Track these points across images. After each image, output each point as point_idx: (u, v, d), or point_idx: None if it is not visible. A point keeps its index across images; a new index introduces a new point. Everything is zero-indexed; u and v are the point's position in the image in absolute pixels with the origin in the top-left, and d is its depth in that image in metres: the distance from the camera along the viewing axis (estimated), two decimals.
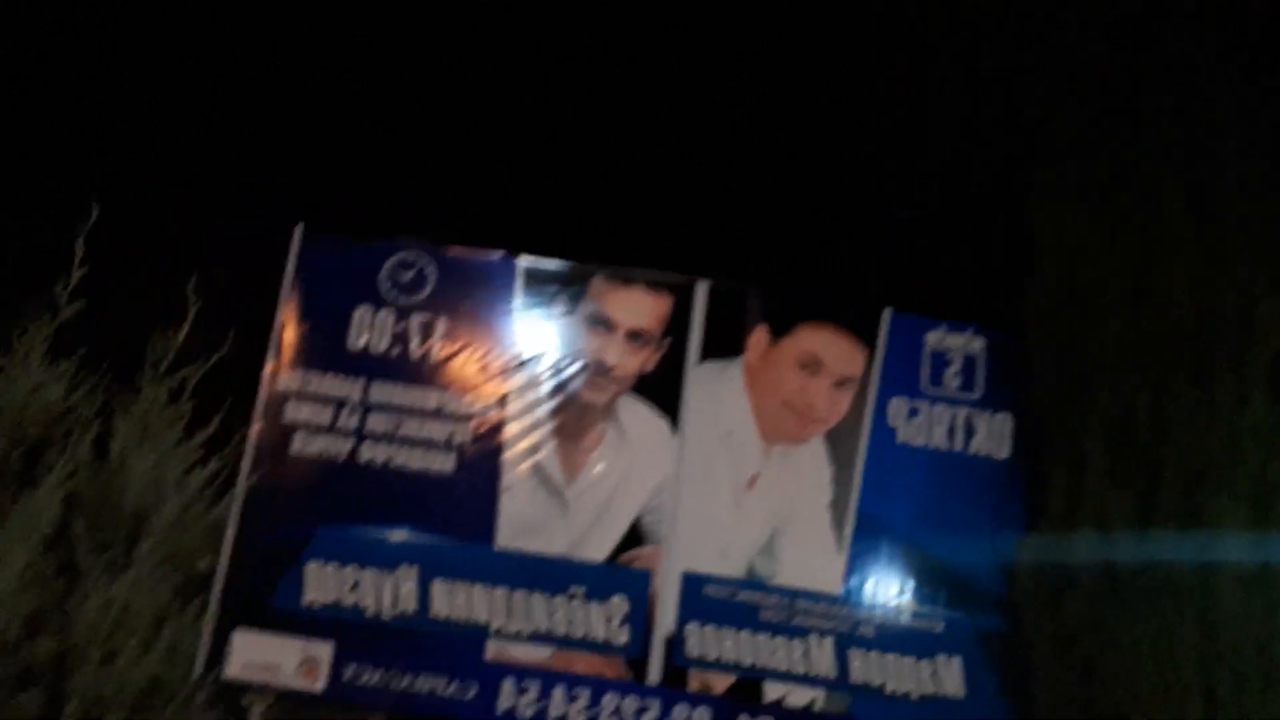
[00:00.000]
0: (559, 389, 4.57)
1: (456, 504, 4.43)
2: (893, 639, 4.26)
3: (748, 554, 4.39)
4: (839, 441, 4.49)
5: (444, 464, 4.47)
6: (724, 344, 4.58)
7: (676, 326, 4.59)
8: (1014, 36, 4.69)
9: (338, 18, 5.66)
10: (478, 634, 4.28)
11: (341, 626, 4.26)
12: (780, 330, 4.59)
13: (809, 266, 5.19)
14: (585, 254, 4.71)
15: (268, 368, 4.55)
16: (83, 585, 3.77)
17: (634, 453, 4.49)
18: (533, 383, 4.57)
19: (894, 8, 5.31)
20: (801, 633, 4.27)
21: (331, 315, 4.62)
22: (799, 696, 4.23)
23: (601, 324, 4.62)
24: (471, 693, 4.22)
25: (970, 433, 4.49)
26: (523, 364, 4.59)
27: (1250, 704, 3.22)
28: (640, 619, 4.29)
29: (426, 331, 4.63)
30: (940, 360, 4.57)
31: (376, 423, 4.51)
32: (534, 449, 4.50)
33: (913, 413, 4.52)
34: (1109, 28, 4.31)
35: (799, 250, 5.28)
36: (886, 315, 4.60)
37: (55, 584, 3.73)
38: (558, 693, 4.22)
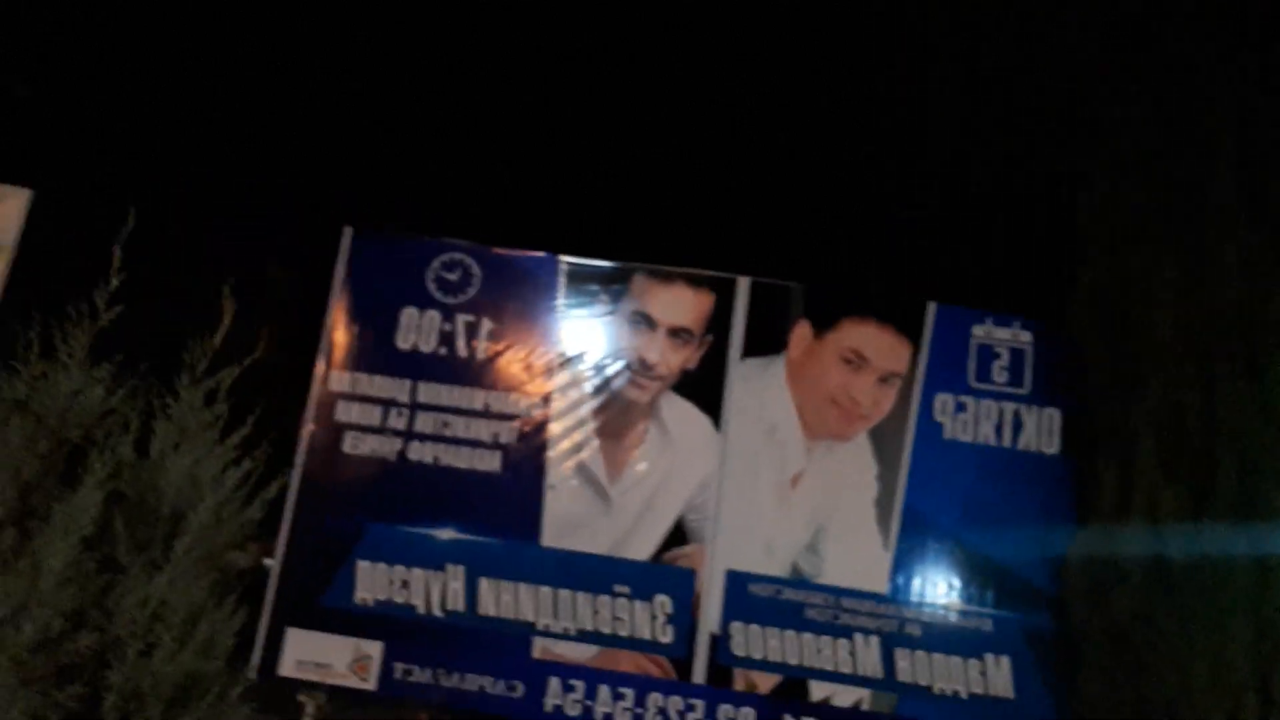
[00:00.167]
0: (602, 388, 4.59)
1: (502, 503, 4.48)
2: (940, 638, 4.20)
3: (792, 552, 4.36)
4: (884, 438, 4.44)
5: (490, 463, 4.52)
6: (766, 340, 4.56)
7: (718, 323, 4.58)
8: (1063, 27, 4.61)
9: (380, 25, 5.75)
10: (524, 632, 4.32)
11: (391, 625, 4.34)
12: (823, 325, 4.55)
13: (851, 260, 5.15)
14: (628, 253, 4.73)
15: (318, 368, 4.65)
16: (122, 582, 3.88)
17: (677, 451, 4.50)
18: (576, 381, 4.60)
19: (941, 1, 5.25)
20: (847, 632, 4.23)
21: (379, 316, 4.70)
22: (845, 696, 4.19)
23: (643, 322, 4.63)
24: (519, 691, 4.26)
25: (1018, 428, 4.41)
26: (566, 363, 4.62)
27: None
28: (685, 618, 4.29)
29: (472, 331, 4.68)
30: (987, 354, 4.50)
31: (424, 422, 4.58)
32: (578, 447, 4.52)
33: (959, 408, 4.45)
34: (1158, 15, 4.21)
35: (841, 244, 5.25)
36: (931, 308, 4.54)
37: (95, 581, 3.83)
38: (603, 691, 4.24)
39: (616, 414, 4.56)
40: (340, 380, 4.64)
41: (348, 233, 4.80)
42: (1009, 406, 4.44)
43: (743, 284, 4.62)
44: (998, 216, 4.82)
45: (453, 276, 4.74)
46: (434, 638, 4.32)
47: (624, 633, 4.29)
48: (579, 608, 4.33)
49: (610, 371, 4.60)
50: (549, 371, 4.62)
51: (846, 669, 4.20)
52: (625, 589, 4.33)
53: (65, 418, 3.95)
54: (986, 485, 4.35)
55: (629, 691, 4.23)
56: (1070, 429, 4.35)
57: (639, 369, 4.59)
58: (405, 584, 4.38)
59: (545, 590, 4.35)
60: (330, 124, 5.75)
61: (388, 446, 4.56)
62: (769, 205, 5.45)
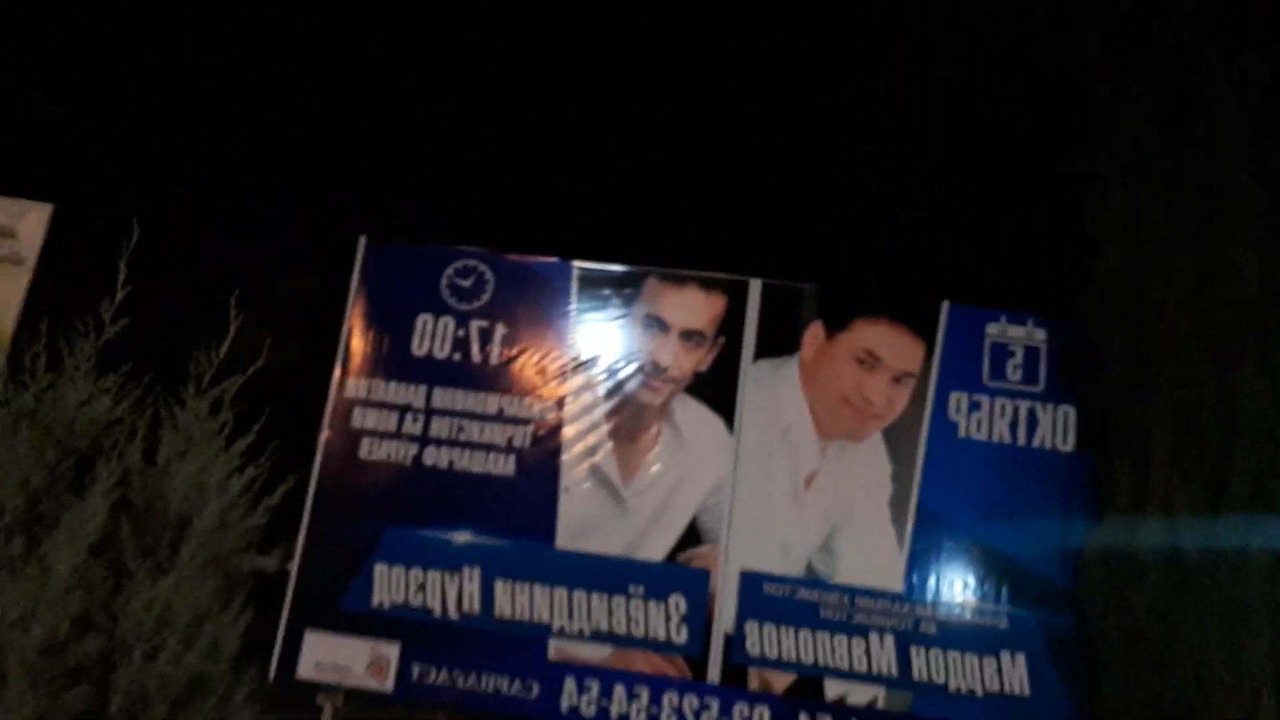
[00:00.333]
0: (615, 391, 4.61)
1: (517, 506, 4.51)
2: (955, 636, 4.18)
3: (806, 552, 4.36)
4: (898, 437, 4.44)
5: (505, 467, 4.55)
6: (778, 341, 4.57)
7: (730, 325, 4.60)
8: (1072, 22, 4.60)
9: (389, 35, 5.81)
10: (540, 633, 4.33)
11: (408, 627, 4.37)
12: (835, 326, 4.56)
13: (864, 261, 5.15)
14: (640, 257, 4.75)
15: (335, 375, 4.70)
16: (128, 587, 3.95)
17: (690, 452, 4.51)
18: (589, 385, 4.63)
19: None
20: (862, 631, 4.22)
21: (395, 323, 4.75)
22: (860, 695, 4.18)
23: (656, 325, 4.65)
24: (535, 691, 4.28)
25: (1033, 426, 4.39)
26: (579, 367, 4.65)
27: None
28: (699, 618, 4.29)
29: (486, 337, 4.72)
30: (1001, 352, 4.49)
31: (440, 427, 4.62)
32: (592, 450, 4.55)
33: (973, 406, 4.44)
34: (1169, 7, 4.20)
35: (853, 245, 5.25)
36: (945, 307, 4.53)
37: (102, 585, 3.91)
38: (619, 691, 4.25)
39: (630, 417, 4.58)
40: (357, 387, 4.69)
41: (363, 242, 4.86)
42: (1023, 404, 4.42)
43: (754, 286, 4.64)
44: (1010, 215, 4.81)
45: (466, 283, 4.79)
46: (450, 639, 4.35)
47: (639, 633, 4.30)
48: (594, 609, 4.35)
49: (623, 374, 4.63)
50: (562, 375, 4.65)
51: (861, 668, 4.19)
52: (640, 590, 4.34)
53: (72, 427, 4.03)
54: (1001, 483, 4.34)
55: (644, 691, 4.24)
56: (1085, 426, 4.33)
57: (652, 372, 4.61)
58: (422, 587, 4.41)
59: (560, 591, 4.37)
60: (341, 134, 5.81)
61: (404, 451, 4.60)
62: (780, 207, 5.46)
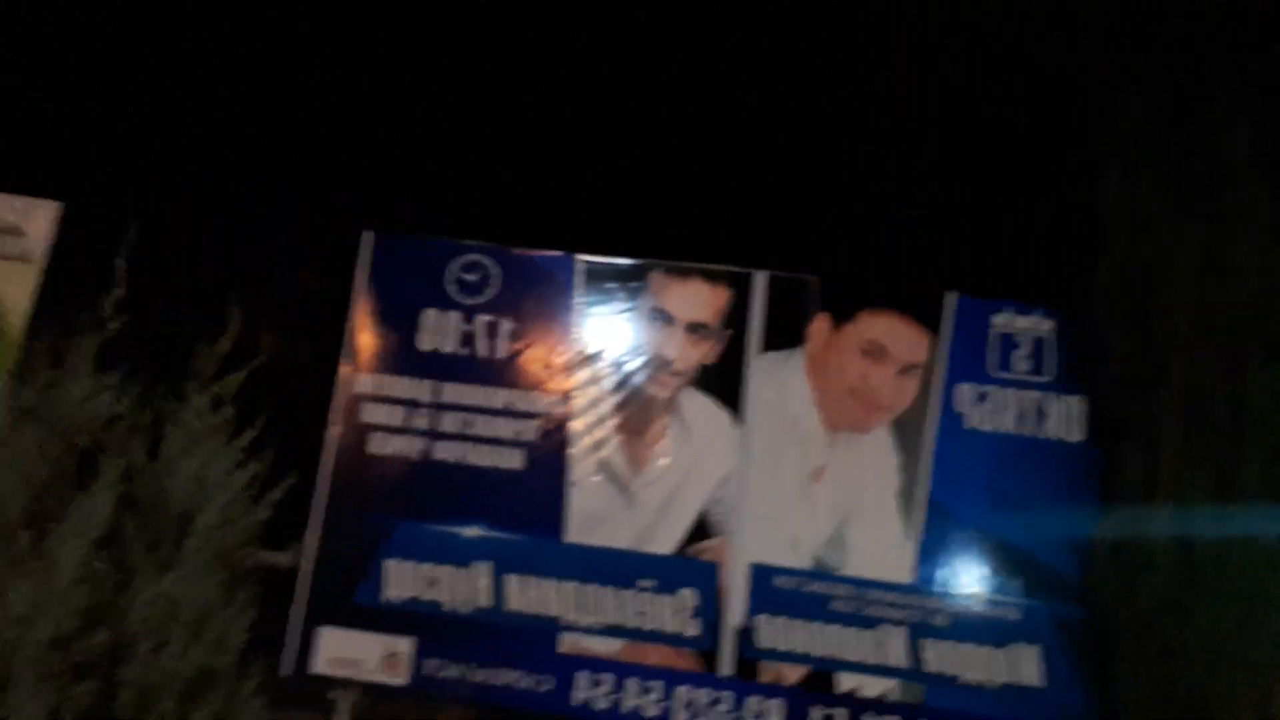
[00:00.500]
0: (622, 384, 4.61)
1: (526, 500, 4.51)
2: (967, 628, 4.19)
3: (815, 545, 4.37)
4: (905, 429, 4.44)
5: (513, 461, 4.56)
6: (785, 334, 4.57)
7: (737, 318, 4.60)
8: (1080, 12, 4.58)
9: (391, 30, 5.79)
10: (551, 627, 4.35)
11: (421, 621, 4.38)
12: (842, 318, 4.56)
13: (869, 252, 5.15)
14: (645, 250, 4.74)
15: (343, 371, 4.70)
16: (134, 581, 3.96)
17: (697, 446, 4.51)
18: (596, 379, 4.63)
19: None
20: (873, 623, 4.24)
21: (401, 319, 4.74)
22: (872, 687, 4.20)
23: (661, 318, 4.65)
24: (547, 685, 4.29)
25: (1041, 416, 4.40)
26: (586, 360, 4.65)
27: None
28: (710, 611, 4.31)
29: (492, 331, 4.72)
30: (1008, 343, 4.49)
31: (448, 422, 4.62)
32: (599, 444, 4.55)
33: (981, 398, 4.45)
34: (1167, 10, 4.19)
35: (858, 236, 5.24)
36: (951, 299, 4.53)
37: (108, 581, 3.93)
38: (631, 685, 4.27)
39: (637, 410, 4.59)
40: (364, 383, 4.69)
41: (368, 237, 4.85)
42: (1031, 395, 4.43)
43: (760, 278, 4.63)
44: (1016, 206, 4.80)
45: (472, 277, 4.78)
46: (463, 633, 4.36)
47: (649, 626, 4.32)
48: (604, 602, 4.36)
49: (630, 368, 4.63)
50: (569, 369, 4.65)
51: (873, 660, 4.20)
52: (650, 583, 4.35)
53: (75, 424, 4.04)
54: (1010, 474, 4.34)
55: (656, 685, 4.25)
56: (1094, 416, 4.34)
57: (658, 365, 4.61)
58: (433, 581, 4.42)
59: (570, 585, 4.38)
60: (345, 130, 5.80)
61: (412, 446, 4.60)
62: (785, 199, 5.45)
